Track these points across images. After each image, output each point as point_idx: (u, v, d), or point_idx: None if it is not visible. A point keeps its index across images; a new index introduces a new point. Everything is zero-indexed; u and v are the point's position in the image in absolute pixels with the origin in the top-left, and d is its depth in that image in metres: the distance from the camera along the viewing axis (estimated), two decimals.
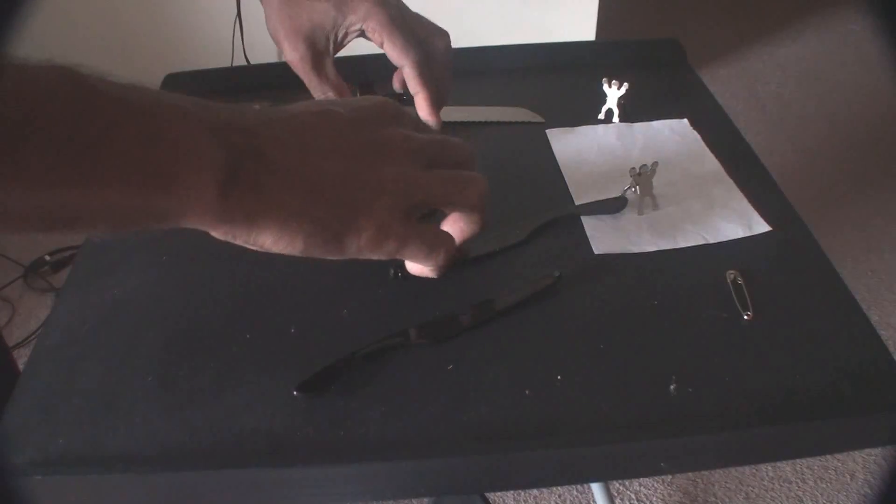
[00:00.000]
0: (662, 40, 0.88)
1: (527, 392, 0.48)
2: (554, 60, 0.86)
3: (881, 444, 0.48)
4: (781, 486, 1.25)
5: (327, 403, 0.48)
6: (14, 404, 0.49)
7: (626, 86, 0.74)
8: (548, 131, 0.74)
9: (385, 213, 0.39)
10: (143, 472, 0.44)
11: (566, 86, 0.83)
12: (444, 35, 0.68)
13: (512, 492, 1.24)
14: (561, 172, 0.69)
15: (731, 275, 0.56)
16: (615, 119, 0.76)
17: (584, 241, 0.61)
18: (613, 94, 0.75)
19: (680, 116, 0.76)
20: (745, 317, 0.53)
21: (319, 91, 0.64)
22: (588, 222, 0.62)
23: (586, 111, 0.77)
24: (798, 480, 1.26)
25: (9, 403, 0.49)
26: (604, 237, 0.61)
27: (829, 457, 1.29)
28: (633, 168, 0.63)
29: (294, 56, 0.62)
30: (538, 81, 0.84)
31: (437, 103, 0.63)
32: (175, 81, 0.84)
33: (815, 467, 1.28)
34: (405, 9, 0.65)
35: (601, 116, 0.76)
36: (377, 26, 0.61)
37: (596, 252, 0.59)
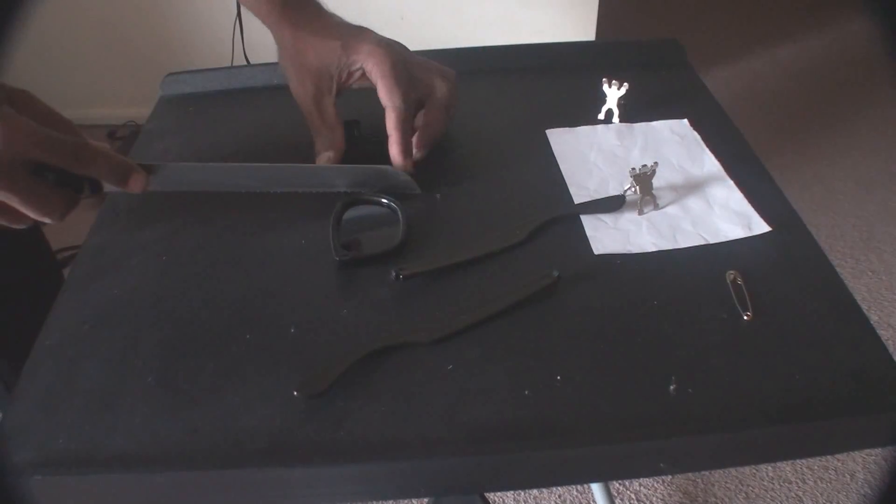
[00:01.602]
0: (662, 40, 0.88)
1: (526, 392, 0.48)
2: (554, 60, 0.86)
3: (881, 444, 0.48)
4: (781, 486, 1.25)
5: (327, 403, 0.48)
6: (14, 404, 0.49)
7: (626, 86, 0.74)
8: (548, 131, 0.74)
9: None
10: (142, 472, 0.44)
11: (566, 86, 0.83)
12: (449, 76, 0.70)
13: (512, 492, 1.24)
14: (561, 172, 0.69)
15: (730, 275, 0.56)
16: (615, 119, 0.76)
17: (584, 241, 0.61)
18: (613, 94, 0.75)
19: (680, 116, 0.76)
20: (745, 317, 0.53)
21: (315, 128, 0.66)
22: (588, 222, 0.62)
23: (586, 111, 0.77)
24: (798, 480, 1.26)
25: (9, 403, 0.49)
26: (604, 237, 0.61)
27: (829, 457, 1.29)
28: (633, 168, 0.63)
29: (300, 91, 0.65)
30: (538, 81, 0.84)
31: (406, 148, 0.65)
32: (175, 81, 0.84)
33: (815, 467, 1.28)
34: (408, 53, 0.69)
35: (601, 116, 0.76)
36: (373, 66, 0.64)
37: (596, 252, 0.59)
